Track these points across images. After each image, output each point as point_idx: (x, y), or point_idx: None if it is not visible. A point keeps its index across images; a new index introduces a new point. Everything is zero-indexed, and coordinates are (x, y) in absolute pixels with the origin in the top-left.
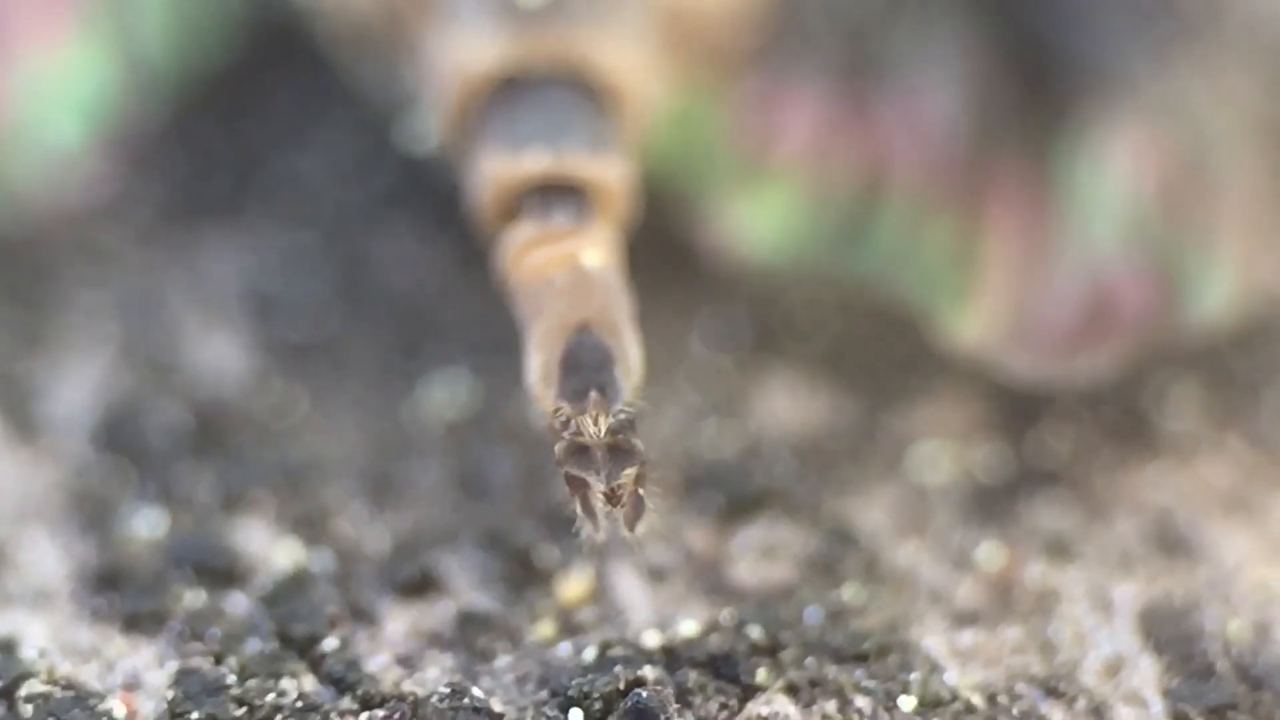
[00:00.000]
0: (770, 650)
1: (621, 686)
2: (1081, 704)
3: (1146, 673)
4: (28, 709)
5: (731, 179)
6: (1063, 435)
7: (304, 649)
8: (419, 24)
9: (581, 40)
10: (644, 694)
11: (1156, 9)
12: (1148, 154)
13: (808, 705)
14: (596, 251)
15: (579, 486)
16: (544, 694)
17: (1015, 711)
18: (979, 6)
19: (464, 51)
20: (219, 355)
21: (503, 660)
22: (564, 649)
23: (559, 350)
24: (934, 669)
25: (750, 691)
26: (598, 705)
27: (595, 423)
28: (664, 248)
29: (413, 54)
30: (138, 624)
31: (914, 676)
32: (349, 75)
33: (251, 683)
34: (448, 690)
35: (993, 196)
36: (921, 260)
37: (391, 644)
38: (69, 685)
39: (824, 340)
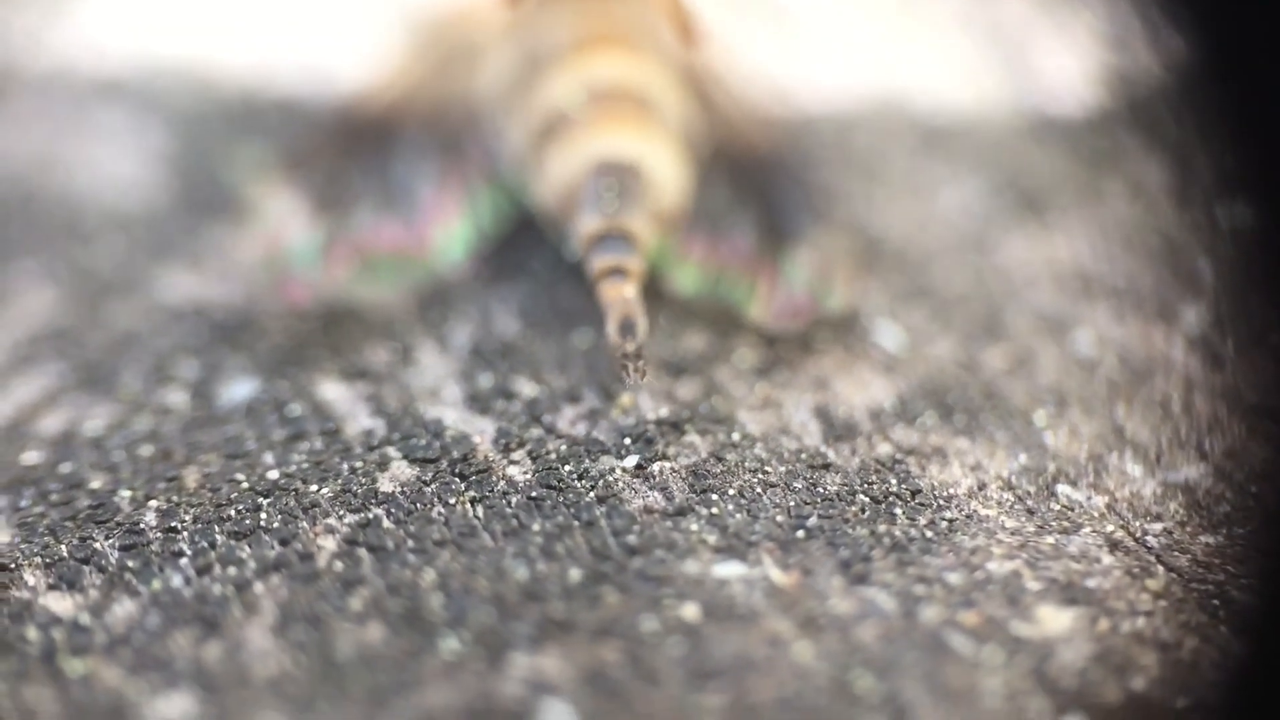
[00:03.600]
0: (690, 419)
1: (648, 431)
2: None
3: (815, 429)
4: (435, 443)
5: (674, 265)
6: (790, 345)
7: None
8: (572, 214)
9: (628, 222)
10: (650, 429)
11: (814, 213)
12: (812, 257)
13: (701, 434)
14: (632, 287)
15: (622, 366)
16: (618, 433)
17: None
18: (759, 207)
19: (585, 226)
20: (506, 326)
21: (603, 423)
22: (625, 418)
23: (617, 323)
24: (744, 431)
25: (682, 430)
26: (641, 439)
27: (629, 345)
28: (651, 287)
29: (570, 224)
30: (480, 405)
31: (735, 436)
32: (550, 231)
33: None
34: (583, 430)
35: (762, 272)
36: (739, 292)
37: (569, 422)
38: (459, 432)
39: (709, 316)
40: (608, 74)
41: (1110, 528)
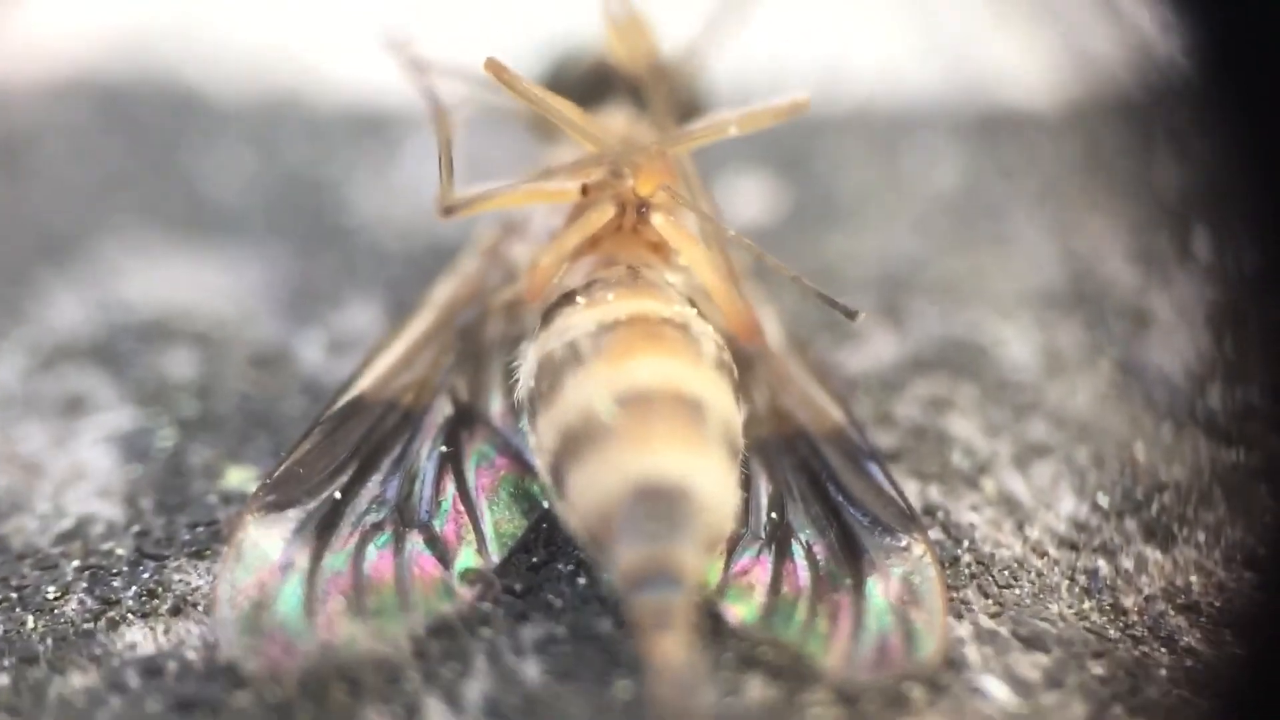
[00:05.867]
0: None
1: None
2: None
3: None
4: None
5: (726, 591)
6: (875, 701)
7: None
8: (608, 541)
9: (675, 555)
10: None
11: (892, 521)
12: (893, 584)
13: None
14: (681, 638)
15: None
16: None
17: None
18: (826, 516)
19: (624, 559)
20: (529, 674)
21: None
22: None
23: (666, 684)
24: None
25: None
26: None
27: (680, 709)
28: (702, 619)
29: (605, 551)
30: None
31: None
32: (581, 547)
33: None
34: None
35: (833, 605)
36: (808, 632)
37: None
38: None
39: (774, 658)
40: (648, 375)
41: None
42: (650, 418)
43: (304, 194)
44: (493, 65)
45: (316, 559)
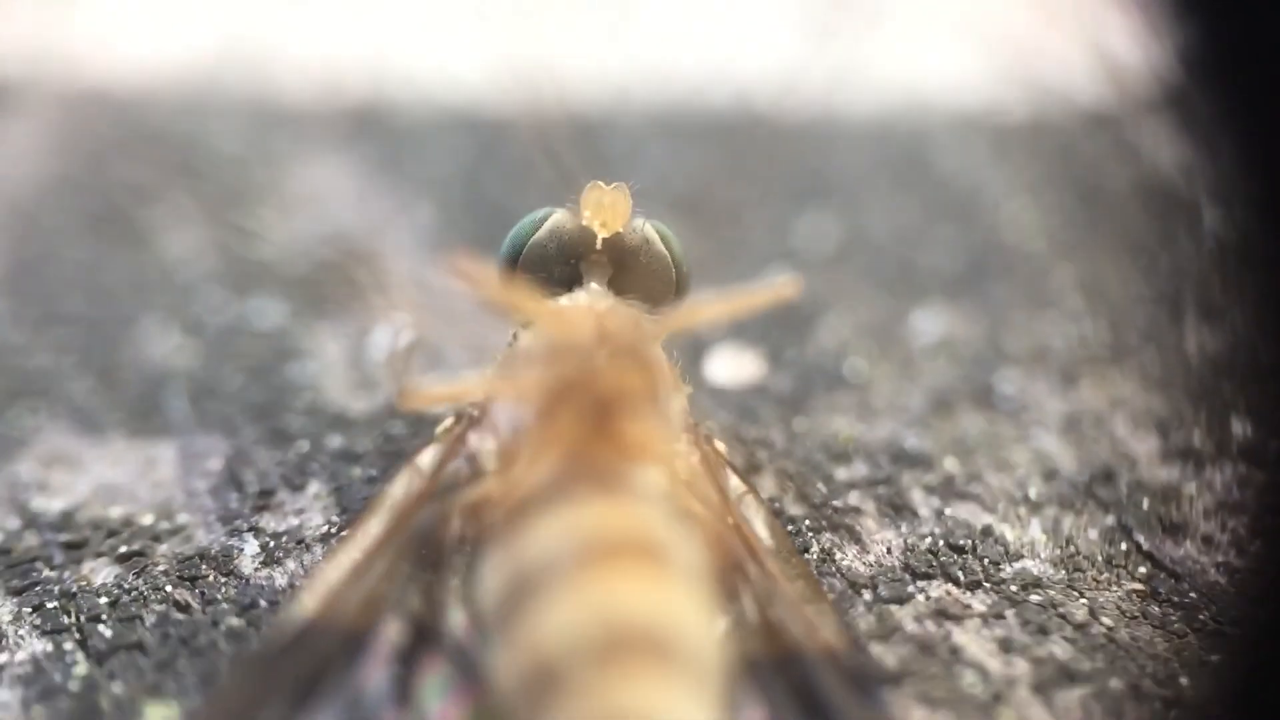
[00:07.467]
0: None
1: None
2: None
3: None
4: None
5: None
6: None
7: None
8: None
9: None
10: None
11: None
12: None
13: None
14: None
15: None
16: None
17: None
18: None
19: None
20: None
21: None
22: None
23: None
24: None
25: None
26: None
27: None
28: None
29: None
30: None
31: None
32: None
33: None
34: None
35: None
36: None
37: None
38: None
39: None
40: (617, 609)
41: None
42: (617, 657)
43: (240, 379)
44: (454, 263)
45: None
